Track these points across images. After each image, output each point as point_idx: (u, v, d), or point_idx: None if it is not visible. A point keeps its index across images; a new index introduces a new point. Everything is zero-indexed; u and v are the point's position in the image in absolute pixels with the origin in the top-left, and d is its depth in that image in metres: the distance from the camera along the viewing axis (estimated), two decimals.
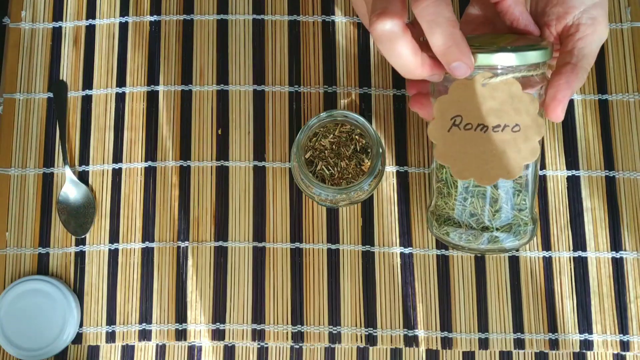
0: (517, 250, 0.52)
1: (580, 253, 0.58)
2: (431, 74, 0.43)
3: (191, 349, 0.58)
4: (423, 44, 0.42)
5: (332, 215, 0.60)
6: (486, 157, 0.44)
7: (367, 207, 0.59)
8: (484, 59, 0.42)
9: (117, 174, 0.61)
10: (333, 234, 0.59)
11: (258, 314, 0.58)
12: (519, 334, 0.57)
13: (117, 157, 0.61)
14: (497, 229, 0.49)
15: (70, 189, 0.60)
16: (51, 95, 0.62)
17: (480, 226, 0.49)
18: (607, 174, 0.60)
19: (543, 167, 0.60)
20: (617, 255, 0.58)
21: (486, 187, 0.48)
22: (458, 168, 0.44)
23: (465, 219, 0.50)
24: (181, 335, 0.58)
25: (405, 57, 0.42)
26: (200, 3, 0.64)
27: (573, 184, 0.59)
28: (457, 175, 0.44)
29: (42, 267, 0.59)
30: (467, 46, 0.41)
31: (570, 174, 0.60)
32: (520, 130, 0.43)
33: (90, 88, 0.62)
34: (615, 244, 0.58)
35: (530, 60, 0.43)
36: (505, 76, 0.43)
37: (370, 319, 0.58)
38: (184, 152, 0.61)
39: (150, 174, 0.61)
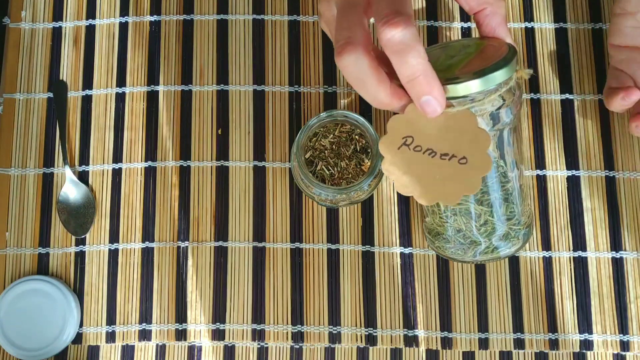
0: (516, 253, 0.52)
1: (580, 253, 0.58)
2: (401, 106, 0.41)
3: (191, 349, 0.58)
4: (392, 74, 0.40)
5: (332, 215, 0.60)
6: (428, 180, 0.43)
7: (367, 207, 0.59)
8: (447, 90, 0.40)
9: (117, 174, 0.61)
10: (333, 234, 0.59)
11: (258, 314, 0.58)
12: (519, 334, 0.57)
13: (117, 157, 0.61)
14: (486, 241, 0.49)
15: (70, 189, 0.60)
16: (51, 95, 0.62)
17: (468, 240, 0.49)
18: (607, 174, 0.60)
19: (543, 167, 0.60)
20: (617, 256, 0.58)
21: (469, 203, 0.47)
22: (401, 183, 0.43)
23: (453, 235, 0.50)
24: (181, 335, 0.58)
25: (373, 90, 0.39)
26: (200, 3, 0.64)
27: (573, 184, 0.59)
28: (399, 190, 0.44)
29: (42, 267, 0.59)
30: (436, 79, 0.38)
31: (570, 174, 0.60)
32: (467, 164, 0.42)
33: (90, 88, 0.62)
34: (615, 244, 0.58)
35: (493, 83, 0.41)
36: (461, 107, 0.41)
37: (370, 319, 0.58)
38: (184, 152, 0.61)
39: (150, 174, 0.61)
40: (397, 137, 0.43)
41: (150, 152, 0.61)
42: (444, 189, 0.42)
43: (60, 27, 0.64)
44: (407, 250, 0.59)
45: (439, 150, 0.42)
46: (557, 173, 0.60)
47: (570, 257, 0.58)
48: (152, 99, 0.62)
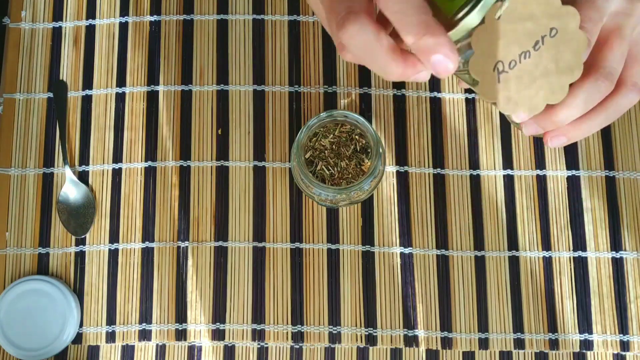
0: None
1: (580, 253, 0.58)
2: (417, 73, 0.37)
3: (191, 349, 0.58)
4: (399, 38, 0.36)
5: (332, 215, 0.60)
6: (535, 81, 0.41)
7: (367, 207, 0.59)
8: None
9: (117, 174, 0.61)
10: (333, 234, 0.59)
11: (258, 314, 0.58)
12: (519, 334, 0.57)
13: (117, 157, 0.61)
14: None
15: (70, 189, 0.60)
16: (51, 95, 0.62)
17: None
18: (607, 174, 0.60)
19: (543, 167, 0.60)
20: (617, 255, 0.58)
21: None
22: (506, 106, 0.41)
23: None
24: (181, 335, 0.58)
25: (383, 60, 0.36)
26: (200, 3, 0.64)
27: (573, 184, 0.59)
28: (500, 107, 0.41)
29: (42, 267, 0.59)
30: (443, 33, 0.34)
31: (570, 174, 0.60)
32: (559, 31, 0.40)
33: (90, 88, 0.62)
34: (615, 244, 0.58)
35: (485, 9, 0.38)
36: None
37: (370, 319, 0.58)
38: (184, 152, 0.61)
39: (150, 174, 0.61)
40: (490, 74, 0.40)
41: (150, 152, 0.61)
42: (552, 78, 0.41)
43: (60, 27, 0.64)
44: (407, 250, 0.59)
45: (527, 46, 0.40)
46: (557, 173, 0.60)
47: (570, 257, 0.58)
48: (152, 99, 0.62)
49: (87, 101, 0.62)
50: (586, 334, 0.57)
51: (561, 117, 0.44)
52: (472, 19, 0.38)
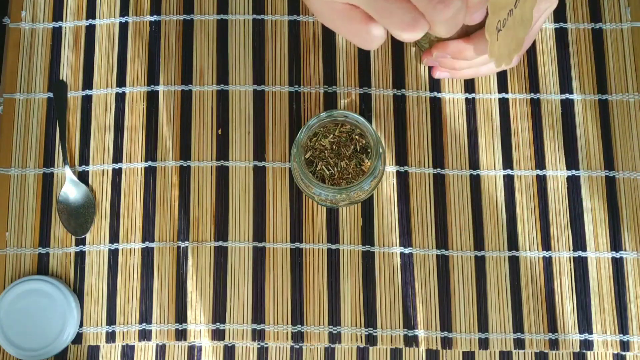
0: None
1: (580, 253, 0.58)
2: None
3: (191, 349, 0.58)
4: None
5: (332, 215, 0.60)
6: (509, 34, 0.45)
7: (367, 207, 0.59)
8: None
9: (117, 174, 0.61)
10: (333, 234, 0.59)
11: (258, 314, 0.58)
12: (519, 334, 0.57)
13: (117, 157, 0.61)
14: None
15: (70, 189, 0.60)
16: (51, 95, 0.62)
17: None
18: (607, 174, 0.60)
19: (543, 167, 0.60)
20: (617, 255, 0.58)
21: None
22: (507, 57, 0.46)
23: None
24: (181, 335, 0.58)
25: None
26: (200, 3, 0.64)
27: (573, 184, 0.59)
28: (498, 65, 0.46)
29: (42, 267, 0.59)
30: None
31: (570, 174, 0.60)
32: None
33: (90, 88, 0.62)
34: (615, 244, 0.58)
35: None
36: None
37: (370, 319, 0.58)
38: (184, 152, 0.61)
39: (150, 174, 0.61)
40: (493, 24, 0.44)
41: (150, 152, 0.61)
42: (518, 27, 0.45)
43: (60, 27, 0.64)
44: (407, 250, 0.59)
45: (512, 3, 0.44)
46: (557, 173, 0.60)
47: (570, 257, 0.58)
48: (152, 99, 0.62)
49: (87, 101, 0.62)
50: (586, 334, 0.57)
51: (459, 66, 0.55)
52: None
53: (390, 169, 0.60)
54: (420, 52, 0.61)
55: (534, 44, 0.62)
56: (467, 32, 0.51)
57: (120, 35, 0.63)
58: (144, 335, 0.58)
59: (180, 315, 0.58)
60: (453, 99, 0.61)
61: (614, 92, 0.61)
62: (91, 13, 0.64)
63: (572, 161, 0.60)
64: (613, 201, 0.59)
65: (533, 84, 0.61)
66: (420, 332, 0.57)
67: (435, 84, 0.62)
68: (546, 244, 0.58)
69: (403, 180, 0.60)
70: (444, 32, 0.38)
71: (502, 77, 0.62)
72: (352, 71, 0.62)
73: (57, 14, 0.64)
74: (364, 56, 0.62)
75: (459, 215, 0.59)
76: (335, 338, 0.57)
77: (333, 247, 0.59)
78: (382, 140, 0.60)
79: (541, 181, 0.60)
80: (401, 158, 0.60)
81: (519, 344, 0.57)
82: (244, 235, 0.59)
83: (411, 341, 0.57)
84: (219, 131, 0.61)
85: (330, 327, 0.58)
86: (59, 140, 0.61)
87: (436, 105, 0.61)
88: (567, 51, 0.62)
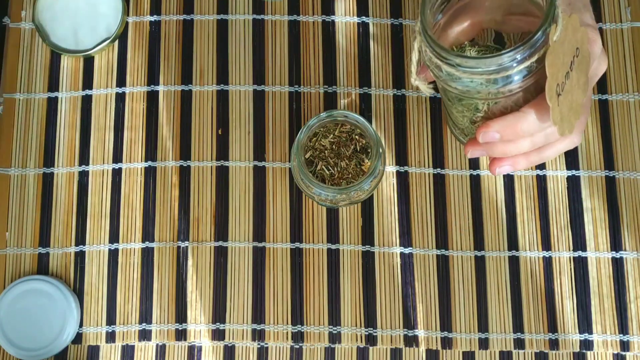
0: None
1: (580, 253, 0.58)
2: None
3: (191, 349, 0.58)
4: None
5: (332, 215, 0.60)
6: (572, 100, 0.43)
7: (367, 207, 0.59)
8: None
9: (117, 174, 0.61)
10: (333, 234, 0.59)
11: (258, 314, 0.58)
12: (519, 334, 0.57)
13: (117, 157, 0.61)
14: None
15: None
16: (51, 95, 0.62)
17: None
18: (607, 174, 0.60)
19: (543, 167, 0.60)
20: (617, 255, 0.58)
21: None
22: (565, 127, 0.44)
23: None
24: (181, 335, 0.58)
25: None
26: (200, 3, 0.64)
27: (573, 184, 0.59)
28: (561, 132, 0.43)
29: (42, 267, 0.59)
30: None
31: (570, 174, 0.60)
32: (579, 50, 0.42)
33: (90, 88, 0.62)
34: (615, 244, 0.58)
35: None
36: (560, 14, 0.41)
37: (370, 319, 0.58)
38: (184, 152, 0.61)
39: (150, 174, 0.61)
40: (553, 87, 0.42)
41: (150, 152, 0.61)
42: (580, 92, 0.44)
43: None
44: (407, 250, 0.59)
45: (568, 64, 0.42)
46: (557, 173, 0.60)
47: (570, 257, 0.58)
48: (152, 99, 0.62)
49: (87, 101, 0.62)
50: (586, 334, 0.57)
51: (514, 150, 0.47)
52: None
53: (390, 169, 0.60)
54: (461, 135, 0.56)
55: None
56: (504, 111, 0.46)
57: (120, 35, 0.63)
58: (144, 335, 0.58)
59: (180, 315, 0.58)
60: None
61: (614, 92, 0.61)
62: None
63: (572, 161, 0.60)
64: (613, 201, 0.59)
65: None
66: (420, 332, 0.57)
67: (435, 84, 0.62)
68: (546, 244, 0.58)
69: (403, 180, 0.60)
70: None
71: None
72: (352, 71, 0.62)
73: None
74: (364, 56, 0.62)
75: (459, 215, 0.59)
76: (335, 338, 0.57)
77: (333, 247, 0.59)
78: (382, 140, 0.60)
79: (541, 181, 0.60)
80: (401, 158, 0.60)
81: (519, 344, 0.57)
82: (244, 235, 0.59)
83: (411, 341, 0.57)
84: (219, 131, 0.61)
85: (330, 327, 0.58)
86: (58, 140, 0.61)
87: (436, 105, 0.61)
88: None
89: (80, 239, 0.60)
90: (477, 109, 0.47)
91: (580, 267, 0.58)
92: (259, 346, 0.58)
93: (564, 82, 0.42)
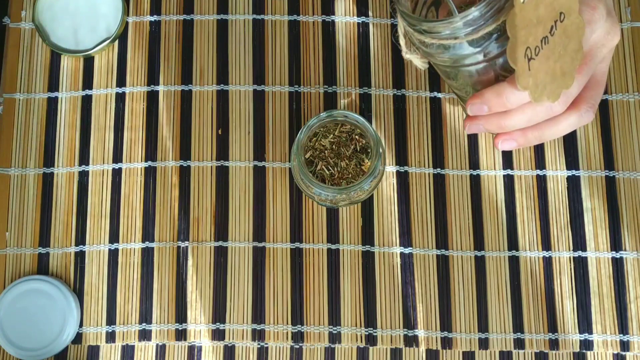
0: None
1: (580, 253, 0.58)
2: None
3: (191, 349, 0.58)
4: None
5: (332, 215, 0.60)
6: (556, 65, 0.41)
7: (367, 207, 0.59)
8: None
9: (117, 174, 0.61)
10: (333, 234, 0.59)
11: (258, 314, 0.58)
12: (519, 334, 0.57)
13: (117, 157, 0.61)
14: None
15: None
16: (51, 95, 0.62)
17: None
18: (607, 174, 0.60)
19: (543, 167, 0.60)
20: (617, 255, 0.58)
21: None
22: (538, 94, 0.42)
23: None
24: (181, 335, 0.58)
25: None
26: (200, 3, 0.64)
27: (573, 184, 0.59)
28: (535, 98, 0.42)
29: (42, 267, 0.59)
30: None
31: (570, 174, 0.60)
32: (565, 16, 0.40)
33: (90, 88, 0.62)
34: (615, 244, 0.58)
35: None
36: None
37: (370, 319, 0.58)
38: (184, 152, 0.61)
39: (150, 174, 0.61)
40: (523, 61, 0.41)
41: (150, 152, 0.61)
42: (567, 59, 0.42)
43: None
44: (407, 250, 0.59)
45: (547, 30, 0.40)
46: (557, 173, 0.60)
47: (570, 257, 0.58)
48: (152, 99, 0.62)
49: (87, 101, 0.62)
50: (586, 334, 0.57)
51: (509, 124, 0.46)
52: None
53: (390, 169, 0.60)
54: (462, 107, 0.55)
55: None
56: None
57: (120, 35, 0.63)
58: (144, 335, 0.58)
59: (180, 315, 0.58)
60: (453, 99, 0.61)
61: (614, 92, 0.61)
62: None
63: (572, 161, 0.60)
64: (613, 201, 0.59)
65: None
66: (420, 332, 0.57)
67: (435, 84, 0.62)
68: (546, 244, 0.58)
69: (403, 180, 0.60)
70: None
71: None
72: (352, 71, 0.62)
73: None
74: (364, 56, 0.62)
75: (459, 215, 0.59)
76: (335, 338, 0.57)
77: (333, 247, 0.59)
78: (382, 140, 0.60)
79: (541, 181, 0.60)
80: (401, 158, 0.60)
81: (519, 344, 0.57)
82: (244, 235, 0.59)
83: (411, 341, 0.57)
84: (219, 131, 0.61)
85: (330, 327, 0.58)
86: (58, 139, 0.61)
87: (436, 105, 0.61)
88: None
89: (80, 239, 0.60)
90: (471, 82, 0.47)
91: (580, 267, 0.58)
92: (259, 346, 0.58)
93: (539, 46, 0.41)
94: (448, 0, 0.44)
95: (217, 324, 0.58)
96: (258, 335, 0.58)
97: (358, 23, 0.63)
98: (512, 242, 0.59)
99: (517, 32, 0.40)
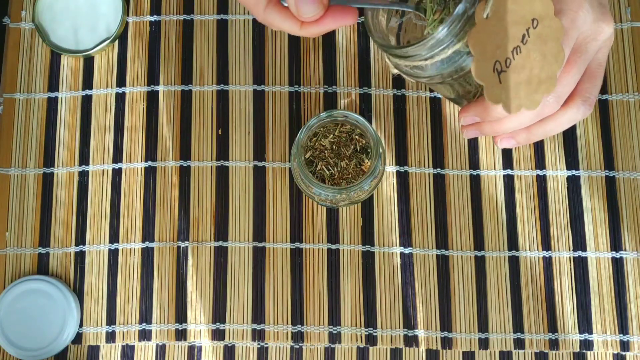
0: None
1: (580, 253, 0.58)
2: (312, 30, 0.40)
3: (191, 349, 0.58)
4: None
5: (332, 215, 0.60)
6: (531, 74, 0.41)
7: (367, 207, 0.59)
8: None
9: (117, 174, 0.61)
10: (333, 234, 0.59)
11: (258, 314, 0.58)
12: (519, 334, 0.57)
13: (117, 157, 0.61)
14: None
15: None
16: (51, 95, 0.62)
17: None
18: (607, 174, 0.60)
19: (543, 167, 0.60)
20: (617, 255, 0.58)
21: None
22: (513, 104, 0.41)
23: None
24: (181, 335, 0.58)
25: (285, 27, 0.41)
26: (200, 3, 0.64)
27: (573, 184, 0.59)
28: (510, 110, 0.41)
29: (42, 267, 0.59)
30: None
31: (570, 174, 0.60)
32: (538, 21, 0.40)
33: (90, 88, 0.62)
34: (615, 244, 0.58)
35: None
36: None
37: (370, 319, 0.58)
38: (184, 152, 0.61)
39: (150, 174, 0.61)
40: (491, 76, 0.40)
41: (150, 152, 0.61)
42: (545, 66, 0.41)
43: None
44: (407, 250, 0.59)
45: (517, 40, 0.40)
46: (557, 173, 0.60)
47: (570, 257, 0.58)
48: (152, 99, 0.62)
49: (87, 101, 0.62)
50: (586, 334, 0.57)
51: (503, 129, 0.46)
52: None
53: (390, 169, 0.60)
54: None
55: None
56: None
57: (120, 35, 0.63)
58: (144, 335, 0.58)
59: (180, 315, 0.58)
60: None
61: (614, 92, 0.61)
62: None
63: (572, 161, 0.60)
64: (613, 201, 0.59)
65: None
66: (420, 332, 0.57)
67: None
68: (546, 244, 0.58)
69: (403, 180, 0.60)
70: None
71: None
72: (352, 71, 0.62)
73: None
74: (364, 56, 0.62)
75: (459, 215, 0.59)
76: (335, 338, 0.57)
77: (333, 247, 0.59)
78: (382, 140, 0.60)
79: (541, 181, 0.60)
80: (401, 158, 0.60)
81: (519, 344, 0.57)
82: (244, 235, 0.59)
83: (411, 341, 0.57)
84: (219, 131, 0.61)
85: (330, 327, 0.58)
86: (58, 140, 0.61)
87: (436, 105, 0.61)
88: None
89: (80, 239, 0.60)
90: (464, 92, 0.47)
91: (580, 267, 0.58)
92: (259, 346, 0.58)
93: (510, 58, 0.41)
94: (415, 16, 0.44)
95: (217, 324, 0.58)
96: (258, 335, 0.58)
97: (358, 23, 0.63)
98: (512, 242, 0.59)
99: (483, 48, 0.40)
